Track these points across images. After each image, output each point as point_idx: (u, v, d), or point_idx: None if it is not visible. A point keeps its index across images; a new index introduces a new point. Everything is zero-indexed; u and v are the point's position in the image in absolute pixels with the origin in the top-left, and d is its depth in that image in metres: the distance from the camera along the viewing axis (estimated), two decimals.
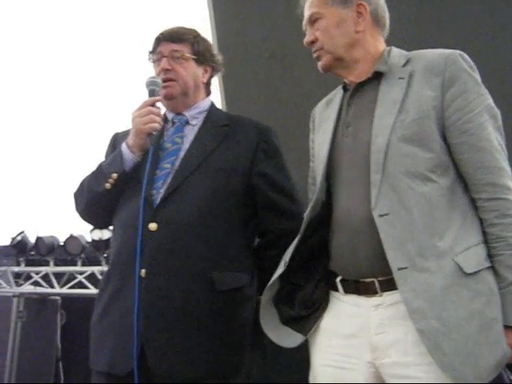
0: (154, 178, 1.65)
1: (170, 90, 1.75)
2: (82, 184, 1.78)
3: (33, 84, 5.31)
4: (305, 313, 1.44)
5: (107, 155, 1.84)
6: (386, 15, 1.53)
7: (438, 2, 2.90)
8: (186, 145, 1.72)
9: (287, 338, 1.44)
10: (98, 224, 2.01)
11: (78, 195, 1.79)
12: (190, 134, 1.75)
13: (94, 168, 1.79)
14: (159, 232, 1.58)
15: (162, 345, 1.53)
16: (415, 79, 1.37)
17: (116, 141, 1.85)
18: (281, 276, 1.46)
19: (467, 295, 1.23)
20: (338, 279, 1.41)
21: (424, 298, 1.22)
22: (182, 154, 1.70)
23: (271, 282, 1.46)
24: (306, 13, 1.51)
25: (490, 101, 1.36)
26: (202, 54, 1.81)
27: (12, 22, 5.28)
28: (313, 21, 1.49)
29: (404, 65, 1.41)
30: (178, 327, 1.54)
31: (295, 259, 1.46)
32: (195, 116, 1.79)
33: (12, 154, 5.37)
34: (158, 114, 1.69)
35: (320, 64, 1.51)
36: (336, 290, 1.43)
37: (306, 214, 1.47)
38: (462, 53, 1.38)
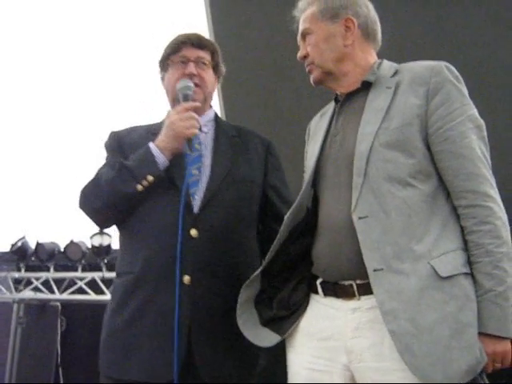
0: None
1: (195, 96, 1.77)
2: (97, 180, 1.71)
3: (34, 88, 5.33)
4: (283, 314, 1.47)
5: (111, 154, 1.81)
6: (378, 27, 1.56)
7: (437, 12, 2.92)
8: (206, 152, 1.75)
9: (264, 338, 1.47)
10: (108, 224, 1.85)
11: (93, 192, 1.70)
12: (206, 141, 1.79)
13: (108, 167, 1.72)
14: (200, 239, 1.61)
15: (211, 350, 1.57)
16: (401, 89, 1.41)
17: (119, 140, 1.82)
18: (262, 279, 1.50)
19: (441, 298, 1.25)
20: (319, 281, 1.45)
21: (398, 299, 1.24)
22: (206, 161, 1.73)
23: (248, 282, 1.50)
24: (300, 28, 1.57)
25: (474, 111, 1.39)
26: (217, 63, 1.86)
27: (11, 22, 5.30)
28: (304, 36, 1.55)
29: (392, 75, 1.45)
30: (223, 333, 1.58)
31: (277, 262, 1.50)
32: (205, 124, 1.82)
33: (12, 160, 5.39)
34: (198, 121, 1.69)
35: (312, 78, 1.57)
36: (316, 292, 1.46)
37: (287, 217, 1.50)
38: (447, 64, 1.42)
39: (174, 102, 1.81)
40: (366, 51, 1.53)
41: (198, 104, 1.73)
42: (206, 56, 1.81)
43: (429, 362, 1.20)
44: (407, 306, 1.24)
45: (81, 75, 5.21)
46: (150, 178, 1.63)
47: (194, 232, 1.61)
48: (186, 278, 1.57)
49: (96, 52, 5.11)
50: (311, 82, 1.57)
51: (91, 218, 1.76)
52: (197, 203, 1.65)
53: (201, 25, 3.23)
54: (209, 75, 1.82)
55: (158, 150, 1.66)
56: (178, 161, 1.68)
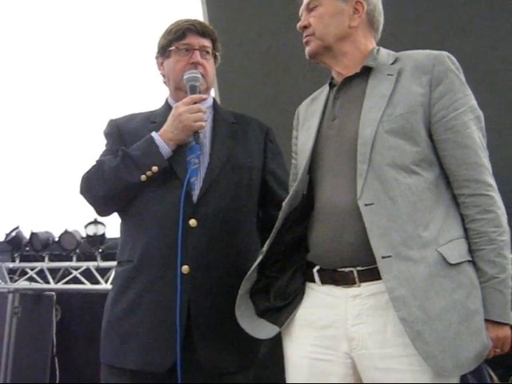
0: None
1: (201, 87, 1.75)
2: (100, 168, 1.68)
3: (25, 81, 5.28)
4: (280, 304, 1.46)
5: (112, 141, 1.79)
6: (382, 20, 1.56)
7: (438, 5, 2.90)
8: (205, 140, 1.73)
9: (262, 330, 1.45)
10: (108, 212, 1.80)
11: (96, 179, 1.68)
12: (204, 129, 1.75)
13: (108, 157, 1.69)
14: (198, 229, 1.60)
15: (211, 339, 1.57)
16: (403, 76, 1.40)
17: (119, 127, 1.79)
18: (258, 269, 1.49)
19: (450, 286, 1.26)
20: (316, 269, 1.43)
21: (407, 286, 1.24)
22: (205, 149, 1.71)
23: (249, 273, 1.48)
24: (305, 0, 1.54)
25: (474, 102, 1.40)
26: (217, 51, 1.85)
27: (11, 21, 5.24)
28: (310, 8, 1.52)
29: (392, 63, 1.44)
30: (222, 322, 1.58)
31: (272, 252, 1.48)
32: (205, 111, 1.80)
33: (6, 150, 5.34)
34: (205, 113, 1.69)
35: (308, 49, 1.53)
36: (312, 280, 1.44)
37: (285, 204, 1.48)
38: (449, 54, 1.42)
39: (177, 90, 1.79)
40: (368, 38, 1.53)
41: (205, 96, 1.73)
42: (209, 45, 1.80)
43: (440, 349, 1.21)
44: (416, 293, 1.24)
45: (72, 63, 5.17)
46: (155, 168, 1.62)
47: (192, 222, 1.59)
48: (185, 268, 1.57)
49: (89, 38, 5.07)
50: (306, 53, 1.54)
51: (92, 205, 1.74)
52: (196, 193, 1.63)
53: (195, 9, 3.19)
54: (210, 64, 1.81)
55: (162, 141, 1.65)
56: (178, 150, 1.67)
